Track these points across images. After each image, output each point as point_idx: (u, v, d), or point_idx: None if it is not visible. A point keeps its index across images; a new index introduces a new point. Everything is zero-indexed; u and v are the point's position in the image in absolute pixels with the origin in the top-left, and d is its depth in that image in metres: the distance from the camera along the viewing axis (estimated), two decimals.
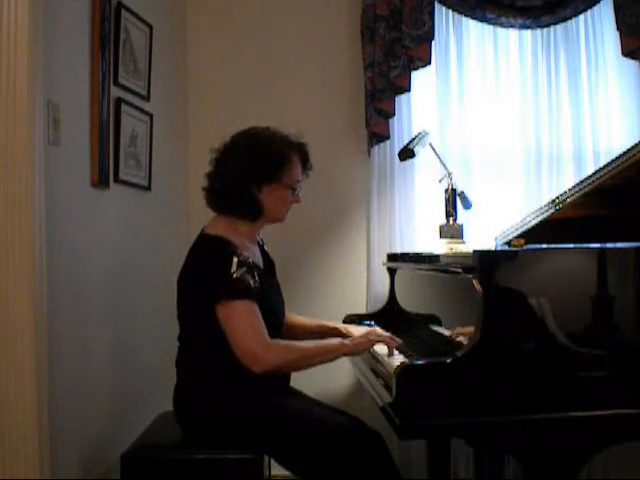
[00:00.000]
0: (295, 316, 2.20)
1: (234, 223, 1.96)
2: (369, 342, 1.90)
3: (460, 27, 2.97)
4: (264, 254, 2.11)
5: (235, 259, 1.83)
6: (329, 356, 1.87)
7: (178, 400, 1.95)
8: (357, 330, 2.14)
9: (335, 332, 2.14)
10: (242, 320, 1.81)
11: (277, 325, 1.98)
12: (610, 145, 2.90)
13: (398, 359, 1.81)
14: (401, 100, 2.93)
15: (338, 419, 1.89)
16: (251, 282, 1.84)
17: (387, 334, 1.98)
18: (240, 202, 1.94)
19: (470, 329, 1.58)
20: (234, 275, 1.81)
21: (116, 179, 2.34)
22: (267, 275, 2.02)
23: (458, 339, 1.75)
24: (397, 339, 1.93)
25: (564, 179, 2.91)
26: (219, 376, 1.88)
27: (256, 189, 1.94)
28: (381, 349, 1.94)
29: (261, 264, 2.00)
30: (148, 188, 2.64)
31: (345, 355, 1.91)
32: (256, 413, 1.85)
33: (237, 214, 1.96)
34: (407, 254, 2.60)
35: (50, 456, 1.82)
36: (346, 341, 1.90)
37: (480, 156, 2.98)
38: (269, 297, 1.95)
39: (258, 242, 2.10)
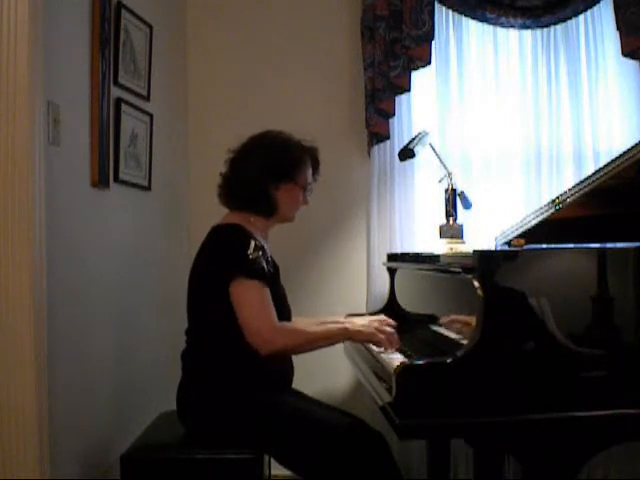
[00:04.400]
0: (297, 319, 2.20)
1: (248, 217, 2.02)
2: (372, 334, 1.92)
3: (460, 27, 2.97)
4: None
5: (252, 242, 1.89)
6: (332, 340, 1.95)
7: (181, 394, 1.96)
8: (361, 319, 2.12)
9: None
10: (254, 300, 1.85)
11: (285, 313, 2.01)
12: (610, 145, 2.90)
13: (398, 359, 1.81)
14: (401, 100, 2.93)
15: (339, 419, 1.90)
16: (265, 266, 1.89)
17: (391, 332, 1.96)
18: (258, 199, 2.01)
19: (464, 318, 1.58)
20: (250, 256, 1.86)
21: (116, 179, 2.34)
22: (274, 276, 2.03)
23: (457, 335, 1.75)
24: (396, 343, 1.93)
25: (564, 179, 2.91)
26: (224, 370, 1.90)
27: (273, 187, 2.02)
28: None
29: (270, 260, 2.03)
30: (148, 188, 2.64)
31: (348, 339, 1.98)
32: (258, 410, 1.85)
33: (253, 210, 2.03)
34: (407, 254, 2.60)
35: (50, 456, 1.82)
36: (349, 325, 1.96)
37: (480, 156, 2.98)
38: (277, 288, 1.98)
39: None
